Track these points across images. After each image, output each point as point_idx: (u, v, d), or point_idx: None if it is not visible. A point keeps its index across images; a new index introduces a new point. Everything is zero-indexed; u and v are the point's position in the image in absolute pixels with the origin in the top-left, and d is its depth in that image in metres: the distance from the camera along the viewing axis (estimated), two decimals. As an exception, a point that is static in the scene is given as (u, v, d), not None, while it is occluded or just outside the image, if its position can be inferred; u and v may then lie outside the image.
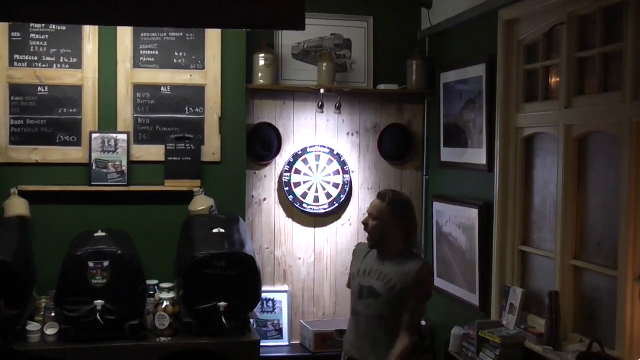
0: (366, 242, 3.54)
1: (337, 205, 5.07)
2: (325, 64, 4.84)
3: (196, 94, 4.62)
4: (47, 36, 4.43)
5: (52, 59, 4.44)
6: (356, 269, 3.54)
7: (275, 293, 4.98)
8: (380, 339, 3.39)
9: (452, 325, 4.31)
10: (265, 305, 4.89)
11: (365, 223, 3.48)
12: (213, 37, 4.60)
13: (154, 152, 4.57)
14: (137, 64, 4.55)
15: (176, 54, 4.60)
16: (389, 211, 3.40)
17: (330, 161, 5.05)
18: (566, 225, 3.59)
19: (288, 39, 5.00)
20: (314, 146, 5.04)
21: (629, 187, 3.12)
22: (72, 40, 4.46)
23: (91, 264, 3.90)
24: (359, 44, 5.11)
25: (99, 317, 3.86)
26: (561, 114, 3.62)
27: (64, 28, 4.44)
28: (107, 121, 4.51)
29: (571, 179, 3.58)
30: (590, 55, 3.48)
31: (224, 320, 3.95)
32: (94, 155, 4.45)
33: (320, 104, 4.91)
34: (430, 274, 3.50)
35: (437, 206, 4.91)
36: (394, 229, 3.41)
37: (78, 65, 4.48)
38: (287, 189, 4.99)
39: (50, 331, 3.96)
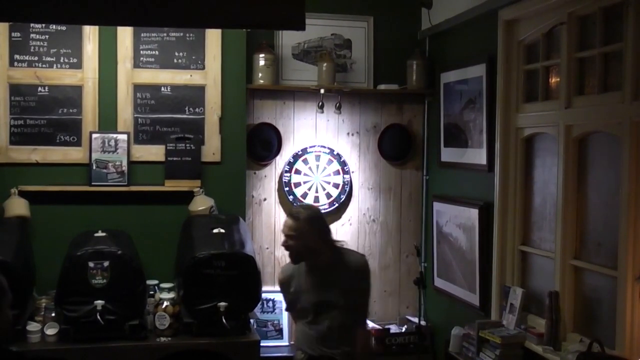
0: (286, 265, 3.72)
1: (337, 205, 5.07)
2: (325, 64, 4.84)
3: (196, 94, 4.62)
4: (47, 36, 4.43)
5: (52, 59, 4.45)
6: (294, 289, 3.61)
7: (275, 293, 4.96)
8: (346, 343, 3.53)
9: (452, 325, 4.31)
10: (265, 305, 4.89)
11: (285, 245, 3.57)
12: (213, 37, 4.60)
13: (154, 152, 4.57)
14: (137, 64, 4.55)
15: (176, 54, 4.60)
16: (307, 227, 3.53)
17: (330, 161, 5.05)
18: (566, 225, 3.59)
19: (288, 39, 5.00)
20: (314, 146, 5.04)
21: (629, 187, 3.12)
22: (72, 40, 4.46)
23: (91, 264, 3.90)
24: (359, 44, 5.11)
25: (99, 317, 3.86)
26: (561, 114, 3.62)
27: (64, 28, 4.44)
28: (107, 121, 4.52)
29: (571, 179, 3.58)
30: (590, 55, 3.48)
31: (224, 320, 3.95)
32: (94, 155, 4.45)
33: (320, 104, 4.91)
34: (368, 265, 3.70)
35: (437, 206, 4.91)
36: (315, 241, 3.55)
37: (78, 65, 4.48)
38: (287, 189, 4.99)
39: (50, 331, 3.96)
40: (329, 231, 3.66)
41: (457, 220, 4.61)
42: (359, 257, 3.75)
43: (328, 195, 5.06)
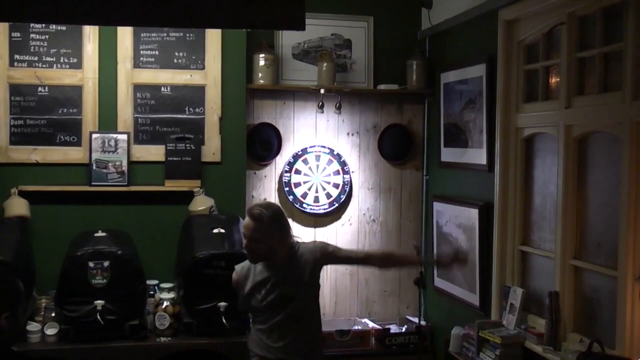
0: (240, 264, 3.56)
1: (337, 205, 5.07)
2: (325, 64, 4.84)
3: (196, 94, 4.62)
4: (47, 36, 4.44)
5: (52, 59, 4.45)
6: (249, 288, 3.46)
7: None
8: (311, 332, 3.51)
9: (452, 325, 4.32)
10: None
11: (248, 248, 3.41)
12: (213, 37, 4.60)
13: (154, 152, 4.57)
14: (137, 64, 4.56)
15: (176, 54, 4.61)
16: (270, 229, 3.38)
17: (330, 161, 5.05)
18: (566, 225, 3.59)
19: (288, 39, 5.00)
20: (314, 146, 5.04)
21: (629, 187, 3.12)
22: (72, 40, 4.46)
23: (91, 264, 3.90)
24: (359, 44, 5.11)
25: (99, 317, 3.86)
26: (561, 114, 3.62)
27: (64, 28, 4.44)
28: (107, 121, 4.52)
29: (571, 179, 3.58)
30: (590, 55, 3.48)
31: (224, 320, 3.95)
32: (94, 155, 4.45)
33: (320, 104, 4.91)
34: (323, 242, 3.70)
35: (437, 206, 4.91)
36: (276, 241, 3.41)
37: (78, 65, 4.48)
38: (287, 189, 4.98)
39: (50, 331, 3.96)
40: (289, 229, 3.52)
41: (457, 220, 4.61)
42: (311, 245, 3.59)
43: (328, 195, 5.06)
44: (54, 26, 4.42)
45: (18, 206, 4.28)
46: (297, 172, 5.01)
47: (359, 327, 4.91)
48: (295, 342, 3.44)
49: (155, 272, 4.38)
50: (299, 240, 3.56)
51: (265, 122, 4.96)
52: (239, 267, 3.57)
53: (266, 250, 3.41)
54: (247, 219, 3.44)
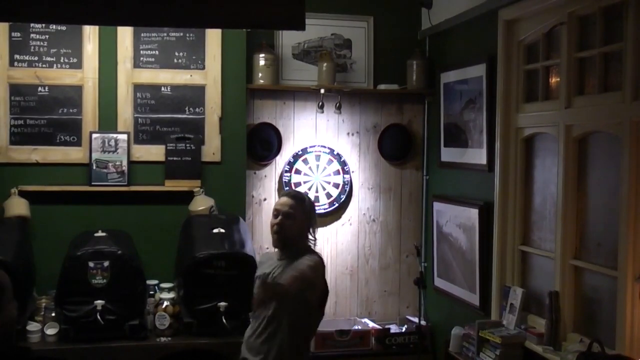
0: (270, 251, 3.48)
1: (337, 205, 5.07)
2: (325, 64, 4.84)
3: (196, 94, 4.63)
4: (47, 36, 4.44)
5: (52, 59, 4.45)
6: (258, 274, 3.46)
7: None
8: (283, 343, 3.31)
9: (452, 325, 4.32)
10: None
11: (280, 224, 3.38)
12: (213, 37, 4.60)
13: (154, 152, 4.57)
14: (137, 64, 4.56)
15: (176, 54, 4.61)
16: (307, 211, 3.42)
17: (330, 161, 5.05)
18: (566, 225, 3.59)
19: (288, 39, 5.00)
20: (314, 146, 5.04)
21: (629, 187, 3.12)
22: (72, 40, 4.46)
23: (91, 264, 3.90)
24: (359, 44, 5.11)
25: (99, 317, 3.86)
26: (561, 114, 3.62)
27: (64, 28, 4.44)
28: (107, 121, 4.52)
29: (571, 179, 3.58)
30: (590, 55, 3.48)
31: (224, 320, 3.95)
32: (94, 155, 4.45)
33: (320, 104, 4.91)
34: (321, 266, 3.36)
35: (437, 206, 4.91)
36: (306, 227, 3.43)
37: (78, 65, 4.48)
38: (287, 189, 4.98)
39: (50, 331, 3.96)
40: (316, 223, 3.50)
41: (457, 220, 4.61)
42: (314, 256, 3.39)
43: (328, 195, 5.06)
44: (54, 26, 4.43)
45: (18, 206, 4.28)
46: (297, 172, 5.01)
47: (359, 327, 4.91)
48: (260, 347, 3.34)
49: (155, 272, 4.39)
50: (313, 245, 3.48)
51: (265, 122, 4.95)
52: (265, 252, 3.64)
53: (295, 233, 3.39)
54: (283, 198, 3.46)
